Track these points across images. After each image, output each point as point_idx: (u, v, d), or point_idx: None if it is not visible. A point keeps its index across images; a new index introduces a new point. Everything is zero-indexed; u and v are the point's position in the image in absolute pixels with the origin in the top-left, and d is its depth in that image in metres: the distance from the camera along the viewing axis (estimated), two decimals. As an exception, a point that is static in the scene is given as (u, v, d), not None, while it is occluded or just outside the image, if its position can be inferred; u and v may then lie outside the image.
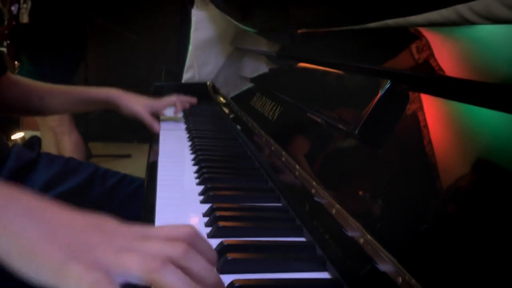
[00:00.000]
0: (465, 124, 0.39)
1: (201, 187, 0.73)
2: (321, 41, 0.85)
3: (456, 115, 0.41)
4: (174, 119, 1.31)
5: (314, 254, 0.53)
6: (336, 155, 0.58)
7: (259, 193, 0.71)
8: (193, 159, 0.89)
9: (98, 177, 0.99)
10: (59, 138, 2.35)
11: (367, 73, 0.59)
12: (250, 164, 0.87)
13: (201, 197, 0.69)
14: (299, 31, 0.98)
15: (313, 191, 0.56)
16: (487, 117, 0.37)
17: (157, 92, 1.60)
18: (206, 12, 1.65)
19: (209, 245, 0.39)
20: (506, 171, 0.33)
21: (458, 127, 0.40)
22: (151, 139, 1.11)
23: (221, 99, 1.44)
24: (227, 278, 0.45)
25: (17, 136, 3.27)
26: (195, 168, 0.83)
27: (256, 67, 1.21)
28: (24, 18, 2.25)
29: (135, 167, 2.80)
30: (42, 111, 1.12)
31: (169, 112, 1.31)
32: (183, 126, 1.24)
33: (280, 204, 0.68)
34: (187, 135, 1.12)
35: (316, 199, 0.55)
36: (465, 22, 0.45)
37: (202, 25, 1.67)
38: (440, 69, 0.44)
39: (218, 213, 0.60)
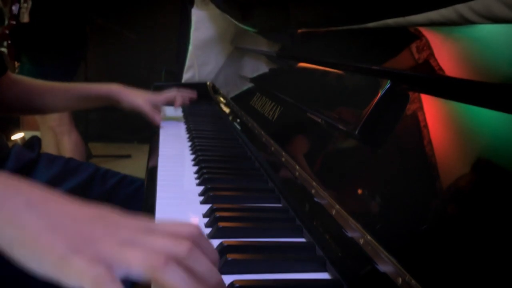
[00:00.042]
0: (465, 124, 0.39)
1: (201, 188, 0.73)
2: (321, 41, 0.85)
3: (456, 115, 0.41)
4: (174, 119, 1.31)
5: (314, 254, 0.53)
6: (336, 155, 0.58)
7: (259, 194, 0.71)
8: (193, 160, 0.89)
9: (98, 178, 0.99)
10: (59, 138, 2.36)
11: (367, 73, 0.59)
12: (250, 165, 0.87)
13: (201, 198, 0.69)
14: (299, 31, 0.98)
15: (313, 191, 0.56)
16: (487, 117, 0.37)
17: (158, 92, 1.60)
18: (206, 12, 1.65)
19: (212, 246, 0.39)
20: (506, 171, 0.33)
21: (458, 127, 0.40)
22: (151, 139, 1.11)
23: (221, 99, 1.44)
24: (227, 279, 0.45)
25: (17, 136, 3.27)
26: (195, 168, 0.83)
27: (256, 67, 1.21)
28: (25, 18, 2.25)
29: (135, 168, 2.80)
30: (43, 109, 1.12)
31: (169, 111, 1.31)
32: (183, 126, 1.23)
33: (280, 205, 0.68)
34: (187, 135, 1.12)
35: (316, 199, 0.55)
36: (465, 21, 0.45)
37: (202, 24, 1.67)
38: (440, 69, 0.44)
39: (218, 214, 0.60)
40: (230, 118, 1.19)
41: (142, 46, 3.66)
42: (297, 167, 0.63)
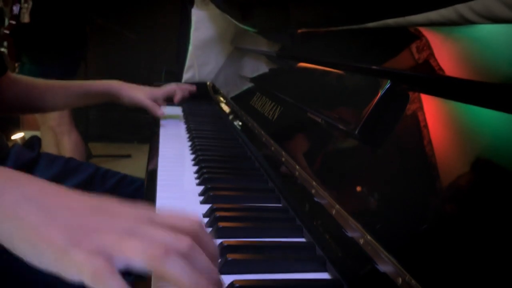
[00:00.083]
0: (465, 124, 0.39)
1: (201, 188, 0.73)
2: (321, 41, 0.85)
3: (456, 115, 0.41)
4: (174, 117, 1.31)
5: (314, 254, 0.53)
6: (336, 155, 0.58)
7: (259, 194, 0.71)
8: (193, 159, 0.89)
9: (98, 178, 0.99)
10: (59, 138, 2.36)
11: (367, 73, 0.59)
12: (250, 164, 0.87)
13: (201, 198, 0.69)
14: (299, 31, 0.98)
15: (313, 191, 0.56)
16: (487, 117, 0.37)
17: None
18: (206, 12, 1.65)
19: (212, 240, 0.39)
20: (506, 171, 0.33)
21: (458, 127, 0.40)
22: (151, 139, 1.11)
23: (221, 99, 1.44)
24: (227, 279, 0.45)
25: (17, 136, 3.27)
26: (195, 168, 0.83)
27: (256, 67, 1.21)
28: (25, 18, 2.25)
29: (135, 167, 2.80)
30: (43, 108, 1.12)
31: (168, 110, 1.31)
32: (183, 126, 1.24)
33: (280, 205, 0.68)
34: (187, 135, 1.12)
35: (316, 199, 0.55)
36: (465, 21, 0.45)
37: (202, 24, 1.67)
38: (440, 69, 0.44)
39: (218, 214, 0.59)
40: (230, 118, 1.19)
41: (142, 46, 3.66)
42: (297, 167, 0.63)
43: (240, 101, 1.18)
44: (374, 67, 0.58)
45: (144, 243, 0.33)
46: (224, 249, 0.50)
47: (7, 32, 2.33)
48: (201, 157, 0.87)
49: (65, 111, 2.29)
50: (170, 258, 0.32)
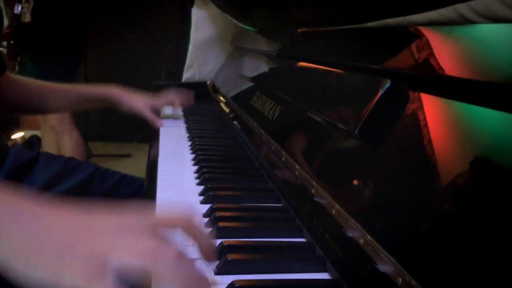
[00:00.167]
0: (465, 124, 0.39)
1: (201, 187, 0.73)
2: (321, 40, 0.85)
3: (456, 114, 0.41)
4: (174, 117, 1.31)
5: (314, 254, 0.53)
6: (336, 155, 0.58)
7: (259, 193, 0.71)
8: (193, 159, 0.89)
9: (98, 177, 0.99)
10: (60, 137, 2.36)
11: (367, 73, 0.58)
12: (250, 164, 0.87)
13: (201, 198, 0.69)
14: (299, 30, 0.97)
15: (313, 191, 0.56)
16: (487, 117, 0.37)
17: (157, 92, 1.60)
18: (206, 12, 1.65)
19: (205, 233, 0.39)
20: (506, 171, 0.33)
21: (458, 127, 0.40)
22: (151, 138, 1.11)
23: (221, 98, 1.43)
24: (227, 279, 0.45)
25: (17, 135, 3.27)
26: (195, 168, 0.83)
27: (256, 67, 1.21)
28: (27, 17, 2.26)
29: (135, 167, 2.79)
30: (42, 110, 1.12)
31: (168, 110, 1.31)
32: (183, 125, 1.23)
33: (280, 205, 0.68)
34: (187, 135, 1.12)
35: (316, 199, 0.55)
36: (465, 21, 0.45)
37: (202, 24, 1.67)
38: (440, 68, 0.44)
39: (218, 214, 0.59)
40: (230, 117, 1.19)
41: (142, 46, 3.66)
42: (297, 166, 0.63)
43: (240, 100, 1.18)
44: (374, 66, 0.58)
45: (136, 245, 0.34)
46: (224, 249, 0.50)
47: (7, 31, 2.33)
48: (201, 157, 0.87)
49: (66, 110, 2.30)
50: (161, 258, 0.33)
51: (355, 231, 0.45)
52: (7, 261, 0.35)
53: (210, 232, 0.56)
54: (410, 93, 0.47)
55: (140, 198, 0.95)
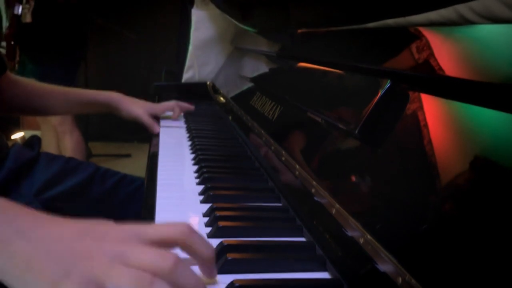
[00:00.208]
0: (465, 124, 0.39)
1: (201, 187, 0.73)
2: (321, 41, 0.85)
3: (456, 115, 0.41)
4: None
5: (314, 254, 0.53)
6: (336, 155, 0.58)
7: (259, 193, 0.71)
8: (193, 159, 0.89)
9: (98, 177, 0.99)
10: (61, 137, 2.36)
11: (367, 73, 0.59)
12: (250, 164, 0.87)
13: (201, 197, 0.69)
14: (299, 31, 0.98)
15: (313, 190, 0.56)
16: (487, 117, 0.37)
17: (157, 92, 1.60)
18: (206, 12, 1.65)
19: (206, 243, 0.40)
20: (506, 171, 0.33)
21: (458, 127, 0.40)
22: (151, 138, 1.11)
23: (221, 98, 1.44)
24: (227, 278, 0.45)
25: (17, 135, 3.27)
26: (195, 167, 0.83)
27: (256, 67, 1.21)
28: (27, 18, 2.26)
29: (135, 167, 2.80)
30: (42, 111, 1.12)
31: (168, 111, 1.31)
32: (183, 125, 1.24)
33: (280, 204, 0.68)
34: (187, 135, 1.12)
35: (316, 198, 0.55)
36: (465, 21, 0.45)
37: (202, 24, 1.67)
38: (440, 69, 0.44)
39: (218, 213, 0.60)
40: (230, 117, 1.19)
41: (142, 46, 3.66)
42: (297, 166, 0.63)
43: (240, 101, 1.18)
44: (374, 67, 0.58)
45: (131, 273, 0.34)
46: (224, 249, 0.50)
47: (8, 32, 2.33)
48: (201, 157, 0.87)
49: (67, 110, 2.30)
50: (156, 284, 0.33)
51: (355, 231, 0.45)
52: (4, 277, 0.35)
53: (211, 231, 0.56)
54: (410, 93, 0.47)
55: (140, 198, 0.95)
